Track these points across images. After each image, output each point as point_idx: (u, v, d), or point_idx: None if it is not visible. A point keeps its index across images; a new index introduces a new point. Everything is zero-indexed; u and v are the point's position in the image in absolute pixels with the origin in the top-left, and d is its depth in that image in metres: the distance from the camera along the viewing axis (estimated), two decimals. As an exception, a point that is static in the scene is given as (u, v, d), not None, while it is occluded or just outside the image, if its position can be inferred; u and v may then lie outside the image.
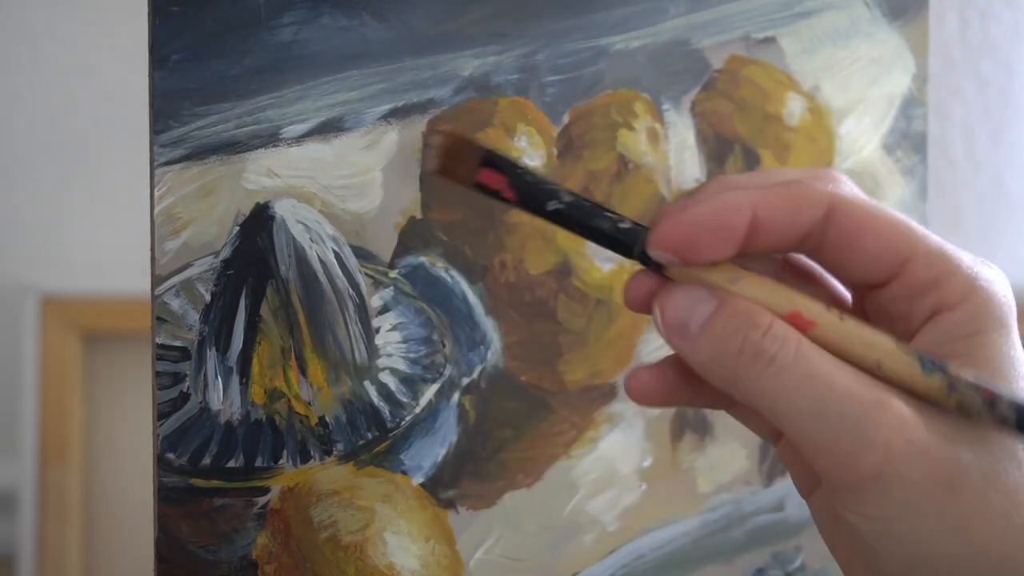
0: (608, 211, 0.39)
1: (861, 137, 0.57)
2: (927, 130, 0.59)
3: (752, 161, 0.54)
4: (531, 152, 0.49)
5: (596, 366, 0.51)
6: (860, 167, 0.57)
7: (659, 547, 0.54)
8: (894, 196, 0.58)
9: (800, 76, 0.55)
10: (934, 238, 0.38)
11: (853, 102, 0.57)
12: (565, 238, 0.50)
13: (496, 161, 0.39)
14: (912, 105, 0.58)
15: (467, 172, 0.39)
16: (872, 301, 0.40)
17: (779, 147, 0.55)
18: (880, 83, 0.57)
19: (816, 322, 0.37)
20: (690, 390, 0.40)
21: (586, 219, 0.39)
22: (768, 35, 0.54)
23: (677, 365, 0.40)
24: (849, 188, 0.39)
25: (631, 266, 0.51)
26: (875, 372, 0.37)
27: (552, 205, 0.39)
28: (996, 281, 0.38)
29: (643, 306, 0.39)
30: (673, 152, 0.52)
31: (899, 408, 0.36)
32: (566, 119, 0.50)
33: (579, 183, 0.50)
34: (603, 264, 0.51)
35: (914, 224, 0.38)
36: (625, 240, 0.39)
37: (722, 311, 0.37)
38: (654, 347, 0.52)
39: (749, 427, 0.42)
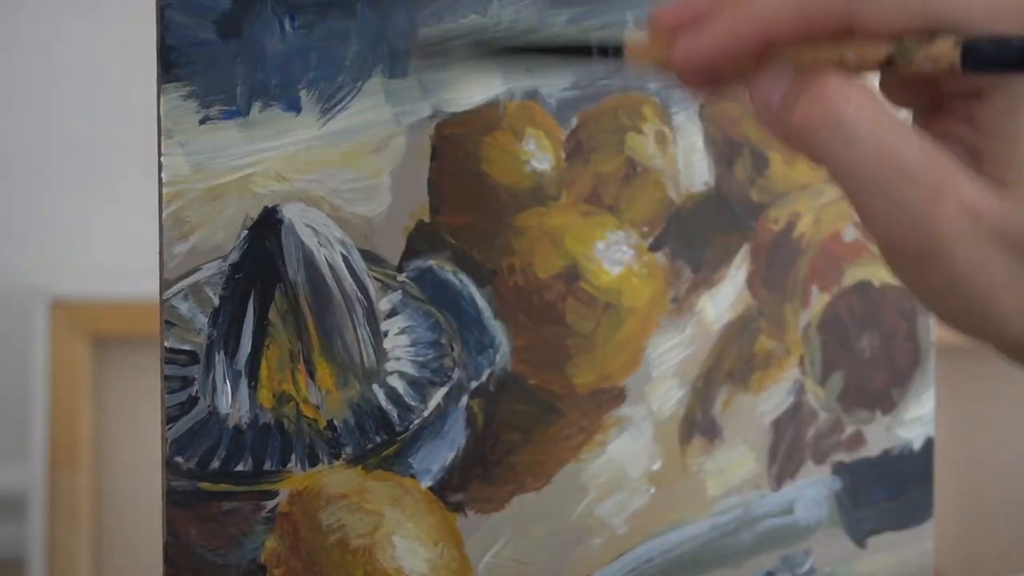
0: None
1: (870, 140, 0.57)
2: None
3: (761, 164, 0.54)
4: (539, 155, 0.49)
5: (605, 369, 0.51)
6: (869, 170, 0.57)
7: (668, 550, 0.54)
8: (903, 199, 0.58)
9: (809, 79, 0.55)
10: None
11: (862, 105, 0.57)
12: (573, 241, 0.50)
13: None
14: (921, 107, 0.58)
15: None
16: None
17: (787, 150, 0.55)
18: (889, 85, 0.57)
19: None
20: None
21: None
22: (776, 38, 0.54)
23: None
24: None
25: (640, 269, 0.51)
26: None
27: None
28: None
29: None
30: (682, 155, 0.52)
31: (960, 194, 0.36)
32: (574, 122, 0.50)
33: (587, 186, 0.50)
34: (612, 267, 0.51)
35: None
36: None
37: (798, 81, 0.38)
38: (662, 351, 0.52)
39: None
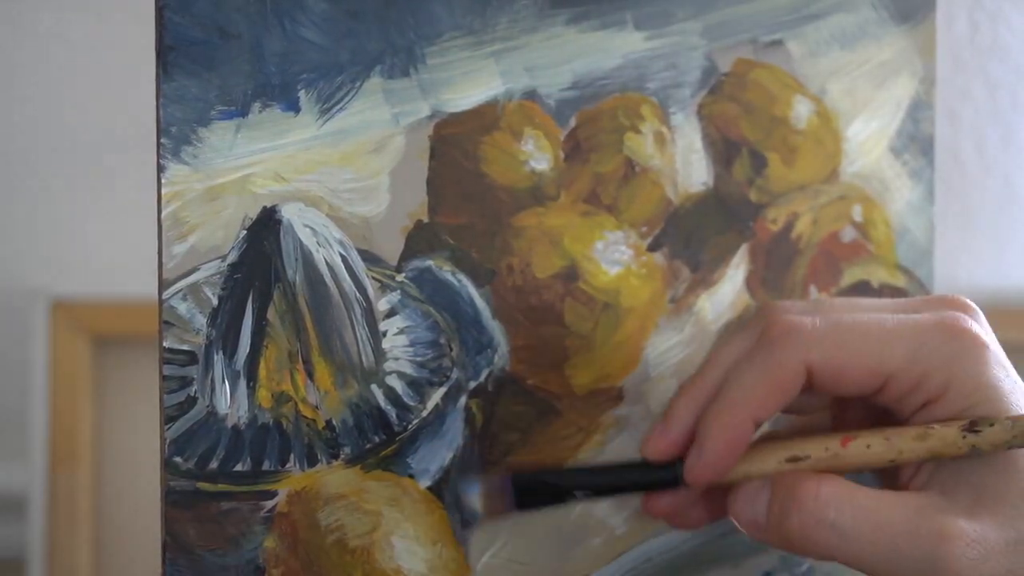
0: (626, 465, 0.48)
1: (868, 140, 0.57)
2: (935, 133, 0.59)
3: (759, 164, 0.54)
4: (538, 155, 0.49)
5: (603, 370, 0.51)
6: (867, 170, 0.57)
7: (667, 550, 0.54)
8: (901, 199, 0.58)
9: (807, 79, 0.55)
10: (905, 346, 0.42)
11: (860, 105, 0.57)
12: (572, 241, 0.50)
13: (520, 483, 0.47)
14: (920, 108, 0.58)
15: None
16: (863, 403, 0.45)
17: (786, 150, 0.55)
18: (888, 86, 0.57)
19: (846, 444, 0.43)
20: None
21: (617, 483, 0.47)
22: (775, 38, 0.54)
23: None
24: (822, 343, 0.43)
25: (638, 269, 0.51)
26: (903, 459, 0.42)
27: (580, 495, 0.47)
28: (969, 361, 0.42)
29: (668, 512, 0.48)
30: (680, 155, 0.52)
31: (960, 531, 0.39)
32: (573, 122, 0.50)
33: (586, 186, 0.50)
34: (610, 267, 0.51)
35: (884, 338, 0.42)
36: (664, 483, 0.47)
37: (775, 499, 0.42)
38: (661, 351, 0.52)
39: None
